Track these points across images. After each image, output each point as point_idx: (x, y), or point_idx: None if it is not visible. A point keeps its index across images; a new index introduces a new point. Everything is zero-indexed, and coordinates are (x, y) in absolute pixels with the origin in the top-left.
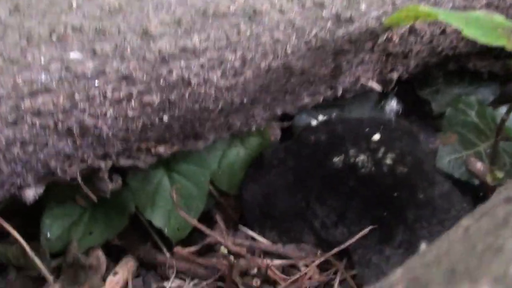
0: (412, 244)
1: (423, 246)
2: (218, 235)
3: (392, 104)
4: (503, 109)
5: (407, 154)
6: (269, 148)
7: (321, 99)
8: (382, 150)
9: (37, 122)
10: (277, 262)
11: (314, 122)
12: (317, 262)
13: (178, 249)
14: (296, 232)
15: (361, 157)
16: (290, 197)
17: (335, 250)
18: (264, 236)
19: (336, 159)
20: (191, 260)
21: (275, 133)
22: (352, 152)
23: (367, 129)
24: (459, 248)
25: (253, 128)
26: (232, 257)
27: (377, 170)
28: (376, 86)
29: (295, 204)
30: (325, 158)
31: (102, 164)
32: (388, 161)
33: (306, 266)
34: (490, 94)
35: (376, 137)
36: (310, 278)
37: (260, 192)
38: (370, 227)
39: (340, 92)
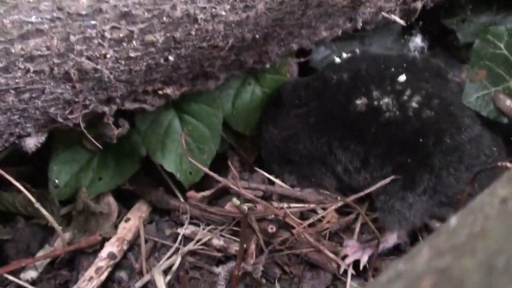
0: (437, 191)
1: (453, 220)
2: (231, 180)
3: (417, 41)
4: None
5: (434, 97)
6: (286, 85)
7: (340, 32)
8: (408, 92)
9: (31, 68)
10: (294, 207)
11: (337, 60)
12: (334, 206)
13: (191, 194)
14: (317, 177)
15: (385, 100)
16: (311, 141)
17: (356, 195)
18: (282, 180)
19: (359, 102)
20: (204, 206)
21: (292, 69)
22: (376, 94)
23: (392, 69)
24: (497, 229)
25: (267, 65)
26: (245, 207)
27: (402, 114)
28: (399, 20)
29: (317, 148)
30: (347, 100)
31: (106, 109)
32: (414, 104)
33: (324, 210)
34: None
35: (402, 78)
36: (328, 222)
37: (279, 134)
38: (393, 177)
39: (360, 24)
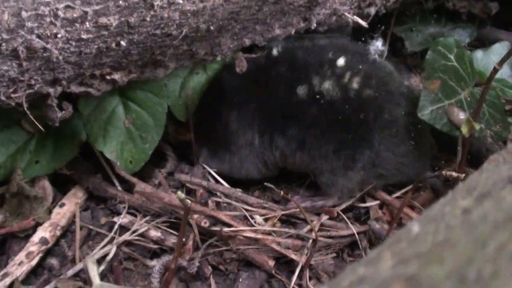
0: (375, 165)
1: (414, 227)
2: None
3: (378, 44)
4: (479, 53)
5: (372, 77)
6: (224, 76)
7: (293, 31)
8: (347, 75)
9: None
10: (233, 213)
11: (275, 52)
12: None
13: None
14: (248, 167)
15: (326, 85)
16: (252, 135)
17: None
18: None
19: (300, 90)
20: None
21: (242, 64)
22: (316, 80)
23: (330, 54)
24: (462, 239)
25: (218, 58)
26: (188, 201)
27: (342, 95)
28: (361, 21)
29: (257, 142)
30: (289, 90)
31: (51, 90)
32: (355, 85)
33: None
34: (467, 36)
35: (341, 61)
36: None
37: (216, 122)
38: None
39: (314, 25)
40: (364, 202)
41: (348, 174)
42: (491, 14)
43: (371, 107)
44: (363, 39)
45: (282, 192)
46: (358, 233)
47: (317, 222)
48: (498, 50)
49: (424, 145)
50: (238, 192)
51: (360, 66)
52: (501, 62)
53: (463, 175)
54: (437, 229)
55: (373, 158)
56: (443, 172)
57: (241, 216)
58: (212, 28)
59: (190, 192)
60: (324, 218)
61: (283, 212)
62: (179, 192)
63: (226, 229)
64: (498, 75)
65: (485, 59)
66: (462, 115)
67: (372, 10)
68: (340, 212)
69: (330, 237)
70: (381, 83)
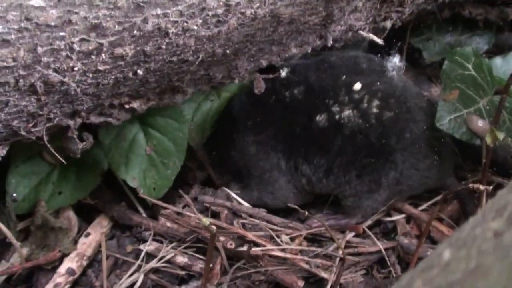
0: (399, 183)
1: (446, 253)
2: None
3: (395, 61)
4: (498, 60)
5: (390, 97)
6: (235, 102)
7: (309, 49)
8: (366, 98)
9: None
10: (259, 233)
11: (283, 74)
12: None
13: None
14: (282, 193)
15: (346, 112)
16: (273, 162)
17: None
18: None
19: (320, 118)
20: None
21: (260, 85)
22: (335, 108)
23: (343, 77)
24: (495, 266)
25: (236, 81)
26: (213, 227)
27: (364, 122)
28: (376, 38)
29: (280, 167)
30: (308, 117)
31: (71, 122)
32: (374, 109)
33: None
34: (485, 43)
35: (357, 86)
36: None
37: (236, 154)
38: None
39: (330, 42)
40: (390, 216)
41: (373, 196)
42: (508, 20)
43: (392, 130)
44: (379, 54)
45: (306, 212)
46: (386, 249)
47: (343, 239)
48: None
49: (446, 154)
50: (262, 212)
51: (377, 87)
52: None
53: (490, 187)
54: (469, 254)
55: (398, 177)
56: (470, 185)
57: (267, 236)
58: (228, 51)
59: (215, 215)
60: (350, 235)
61: (309, 231)
62: (204, 219)
63: (254, 248)
64: None
65: (505, 65)
66: (481, 123)
67: (388, 24)
68: (366, 229)
69: (357, 254)
70: (399, 102)
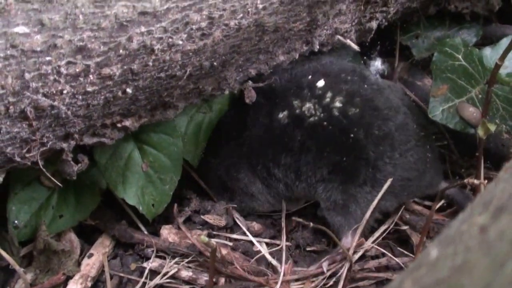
0: (377, 181)
1: (433, 251)
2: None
3: (377, 64)
4: (487, 50)
5: (355, 95)
6: (224, 116)
7: (297, 55)
8: (328, 95)
9: None
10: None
11: (250, 83)
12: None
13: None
14: (259, 202)
15: (307, 105)
16: (249, 169)
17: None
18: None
19: (281, 115)
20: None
21: (251, 95)
22: (296, 103)
23: (309, 77)
24: (480, 261)
25: (226, 92)
26: (213, 242)
27: (326, 116)
28: (353, 45)
29: (256, 174)
30: (270, 118)
31: (64, 145)
32: (338, 104)
33: None
34: (473, 36)
35: (321, 83)
36: None
37: (220, 163)
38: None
39: (317, 47)
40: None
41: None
42: (494, 11)
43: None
44: (365, 57)
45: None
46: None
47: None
48: (506, 45)
49: (433, 160)
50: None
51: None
52: (502, 57)
53: (486, 181)
54: (456, 251)
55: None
56: (465, 181)
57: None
58: (215, 64)
59: (214, 228)
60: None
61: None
62: (202, 236)
63: None
64: (510, 70)
65: (494, 55)
66: (473, 111)
67: (374, 24)
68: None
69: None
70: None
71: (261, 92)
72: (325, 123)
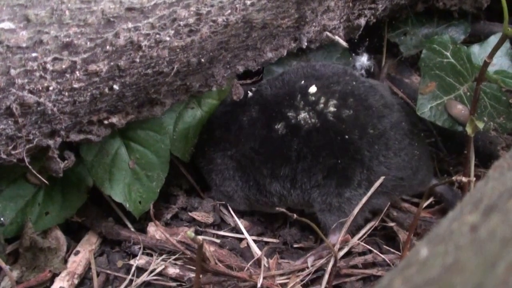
0: (371, 182)
1: (423, 250)
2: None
3: (363, 60)
4: (476, 48)
5: (348, 96)
6: (212, 120)
7: (285, 52)
8: (322, 100)
9: None
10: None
11: (250, 94)
12: None
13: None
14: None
15: (302, 115)
16: (237, 183)
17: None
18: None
19: (278, 127)
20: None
21: (238, 91)
22: (291, 114)
23: (301, 82)
24: (471, 260)
25: (214, 88)
26: (200, 238)
27: (321, 121)
28: (341, 41)
29: (244, 189)
30: (267, 130)
31: (51, 142)
32: (332, 108)
33: None
34: (461, 33)
35: (313, 89)
36: None
37: (206, 166)
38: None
39: (305, 44)
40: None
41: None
42: (483, 8)
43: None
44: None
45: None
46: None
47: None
48: (494, 42)
49: (424, 159)
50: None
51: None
52: (491, 55)
53: (474, 179)
54: (446, 250)
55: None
56: (453, 178)
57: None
58: (203, 60)
59: (201, 225)
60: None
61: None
62: (189, 232)
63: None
64: (497, 67)
65: (482, 53)
66: (461, 108)
67: (362, 21)
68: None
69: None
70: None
71: (256, 104)
72: (320, 129)
